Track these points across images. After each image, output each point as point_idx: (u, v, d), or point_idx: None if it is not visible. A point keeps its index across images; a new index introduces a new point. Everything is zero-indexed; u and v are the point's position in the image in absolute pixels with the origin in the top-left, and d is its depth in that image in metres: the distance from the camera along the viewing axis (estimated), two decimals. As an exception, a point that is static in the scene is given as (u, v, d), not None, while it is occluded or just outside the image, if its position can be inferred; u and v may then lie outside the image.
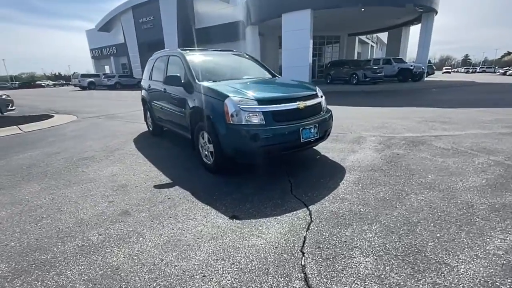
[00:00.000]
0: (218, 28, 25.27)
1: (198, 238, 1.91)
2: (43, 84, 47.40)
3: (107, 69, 40.59)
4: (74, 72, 34.11)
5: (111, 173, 3.30)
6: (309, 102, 2.92)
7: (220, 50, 4.43)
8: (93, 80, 26.94)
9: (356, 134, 4.60)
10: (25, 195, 2.74)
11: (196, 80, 3.31)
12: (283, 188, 2.66)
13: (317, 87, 3.37)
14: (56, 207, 2.47)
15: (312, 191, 2.55)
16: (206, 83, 3.18)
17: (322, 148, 3.88)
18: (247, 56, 4.44)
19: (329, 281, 1.47)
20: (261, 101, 2.67)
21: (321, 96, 3.26)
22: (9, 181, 3.15)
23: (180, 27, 26.96)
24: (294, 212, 2.22)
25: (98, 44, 38.36)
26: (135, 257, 1.73)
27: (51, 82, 53.80)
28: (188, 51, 4.03)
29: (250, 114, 2.60)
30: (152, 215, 2.25)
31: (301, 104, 2.81)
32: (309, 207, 2.28)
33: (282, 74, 18.28)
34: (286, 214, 2.19)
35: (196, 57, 3.86)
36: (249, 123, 2.60)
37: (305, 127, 2.78)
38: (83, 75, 27.40)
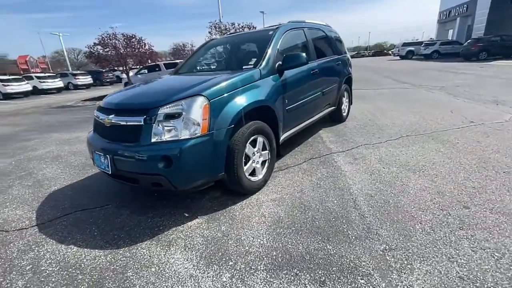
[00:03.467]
0: None
1: None
2: (390, 53, 53.11)
3: (449, 34, 35.39)
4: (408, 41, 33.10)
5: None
6: (123, 119, 2.00)
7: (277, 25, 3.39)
8: (412, 49, 25.67)
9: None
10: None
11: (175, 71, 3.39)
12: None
13: (199, 96, 1.89)
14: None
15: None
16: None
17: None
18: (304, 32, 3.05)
19: None
20: (100, 107, 2.37)
21: (175, 116, 1.86)
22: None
23: None
24: None
25: (449, 4, 33.42)
26: None
27: (370, 52, 59.54)
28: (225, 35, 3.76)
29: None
30: None
31: (108, 120, 2.06)
32: None
33: None
34: None
35: (214, 42, 3.59)
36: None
37: (96, 151, 2.15)
38: (405, 44, 26.91)
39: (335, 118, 4.54)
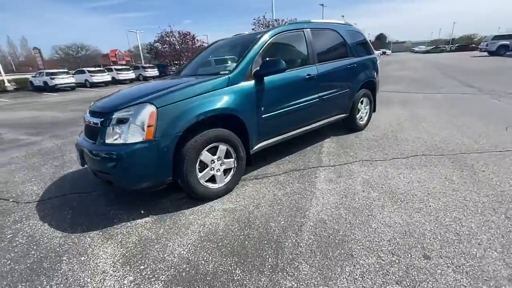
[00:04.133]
0: None
1: None
2: (478, 46, 44.64)
3: None
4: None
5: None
6: (92, 119, 2.24)
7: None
8: (507, 43, 20.89)
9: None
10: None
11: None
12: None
13: (147, 106, 2.00)
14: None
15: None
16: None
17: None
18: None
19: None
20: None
21: (124, 121, 2.01)
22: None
23: None
24: None
25: None
26: None
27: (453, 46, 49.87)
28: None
29: None
30: None
31: (86, 119, 2.33)
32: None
33: None
34: None
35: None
36: None
37: (76, 145, 2.41)
38: (497, 37, 22.00)
39: (349, 126, 4.12)
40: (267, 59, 2.60)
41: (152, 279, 1.57)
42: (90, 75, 20.20)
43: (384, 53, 52.10)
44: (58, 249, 1.91)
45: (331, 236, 1.83)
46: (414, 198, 2.22)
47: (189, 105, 2.14)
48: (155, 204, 2.44)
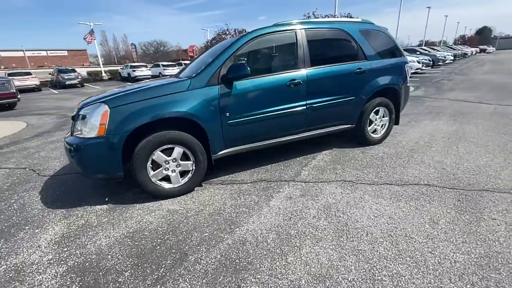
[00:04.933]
0: None
1: None
2: None
3: None
4: None
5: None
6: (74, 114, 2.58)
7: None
8: None
9: None
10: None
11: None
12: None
13: (102, 107, 2.20)
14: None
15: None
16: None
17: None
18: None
19: None
20: None
21: (83, 117, 2.26)
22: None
23: None
24: None
25: None
26: None
27: None
28: None
29: None
30: None
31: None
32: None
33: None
34: None
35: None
36: None
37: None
38: None
39: (358, 139, 3.62)
40: (232, 64, 2.50)
41: (62, 262, 1.76)
42: (163, 69, 22.93)
43: (483, 50, 42.65)
44: (29, 219, 2.31)
45: (236, 261, 1.68)
46: (365, 237, 1.83)
47: (140, 106, 2.26)
48: (121, 194, 2.67)
